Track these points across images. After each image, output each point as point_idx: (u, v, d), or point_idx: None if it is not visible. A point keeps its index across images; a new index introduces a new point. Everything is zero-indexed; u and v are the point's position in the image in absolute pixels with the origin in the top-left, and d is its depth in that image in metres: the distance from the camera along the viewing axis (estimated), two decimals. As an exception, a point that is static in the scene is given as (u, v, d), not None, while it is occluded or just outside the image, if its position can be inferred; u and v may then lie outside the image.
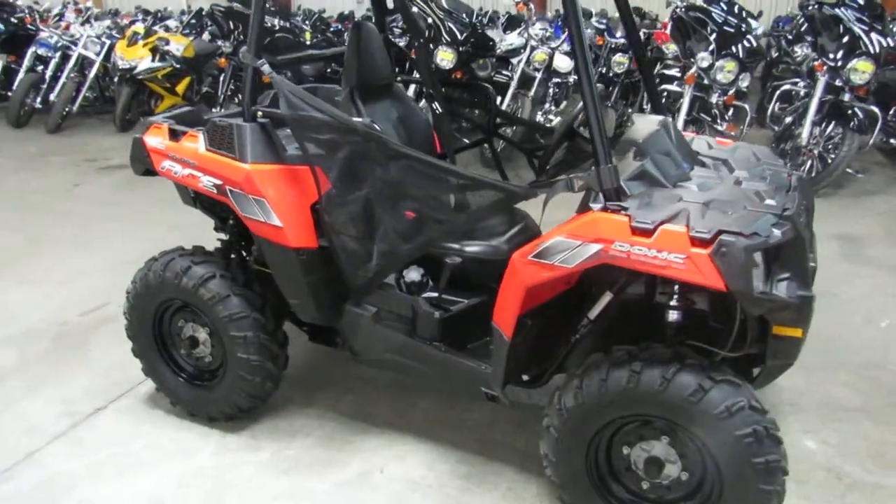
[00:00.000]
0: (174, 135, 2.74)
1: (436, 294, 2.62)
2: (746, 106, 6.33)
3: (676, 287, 2.28)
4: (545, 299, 2.45)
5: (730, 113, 6.22)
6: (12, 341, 3.64)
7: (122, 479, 2.66)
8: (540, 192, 2.25)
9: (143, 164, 2.81)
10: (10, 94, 8.54)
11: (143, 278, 2.85)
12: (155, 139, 2.76)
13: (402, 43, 6.81)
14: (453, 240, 2.58)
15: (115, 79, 8.29)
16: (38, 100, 8.43)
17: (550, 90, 7.15)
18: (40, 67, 8.59)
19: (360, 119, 2.49)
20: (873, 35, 5.71)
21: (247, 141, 2.55)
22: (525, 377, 2.60)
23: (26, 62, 8.54)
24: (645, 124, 2.47)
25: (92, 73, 8.45)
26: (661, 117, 2.52)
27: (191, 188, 2.75)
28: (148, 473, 2.69)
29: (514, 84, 6.81)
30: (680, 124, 5.96)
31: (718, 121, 6.01)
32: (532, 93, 6.76)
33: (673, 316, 2.30)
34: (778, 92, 6.86)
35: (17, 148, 7.22)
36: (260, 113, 2.59)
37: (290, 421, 2.99)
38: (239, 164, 2.54)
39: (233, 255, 2.90)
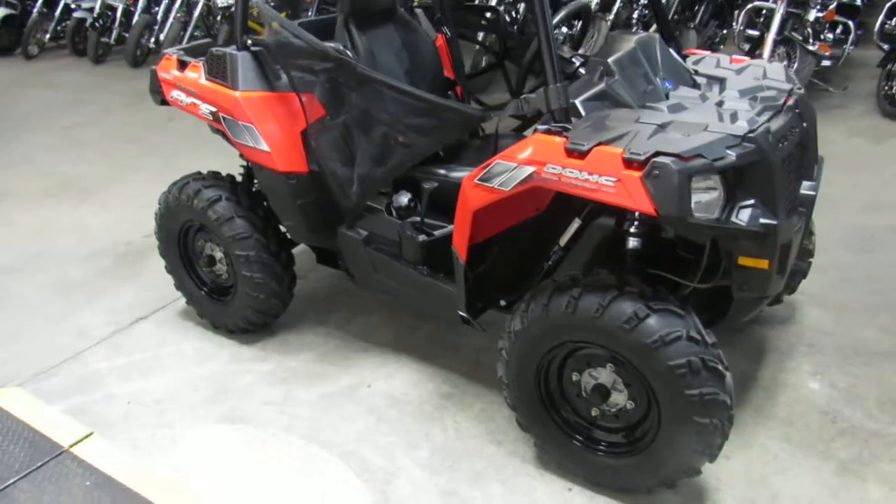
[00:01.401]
0: (182, 65, 2.91)
1: (419, 219, 2.67)
2: (850, 22, 5.69)
3: (637, 214, 2.19)
4: (511, 224, 2.43)
5: (829, 31, 5.61)
6: (84, 259, 4.08)
7: (145, 379, 2.97)
8: (494, 115, 2.22)
9: (159, 94, 3.02)
10: (127, 35, 9.20)
11: (165, 200, 3.09)
12: (166, 70, 2.95)
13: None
14: (434, 164, 2.61)
15: (218, 18, 8.70)
16: (152, 40, 9.03)
17: (636, 13, 6.73)
18: (155, 9, 9.17)
19: (331, 44, 2.53)
20: None
21: (238, 69, 2.67)
22: (503, 302, 2.62)
23: (141, 3, 9.13)
24: (621, 42, 2.33)
25: (196, 13, 8.91)
26: (640, 34, 2.37)
27: (195, 116, 2.92)
28: (166, 375, 2.98)
29: (593, 5, 6.43)
30: (769, 44, 5.47)
31: (811, 40, 5.44)
32: (612, 15, 6.39)
33: (632, 243, 2.22)
34: (890, 3, 6.03)
35: (129, 85, 7.81)
36: (250, 42, 2.69)
37: (300, 337, 3.19)
38: (230, 92, 2.67)
39: (240, 180, 3.07)
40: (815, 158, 2.38)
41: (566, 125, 2.02)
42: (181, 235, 3.17)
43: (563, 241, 2.42)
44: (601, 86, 2.17)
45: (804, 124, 2.28)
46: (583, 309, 2.03)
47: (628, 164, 1.85)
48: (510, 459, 2.40)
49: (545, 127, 2.04)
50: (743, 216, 1.97)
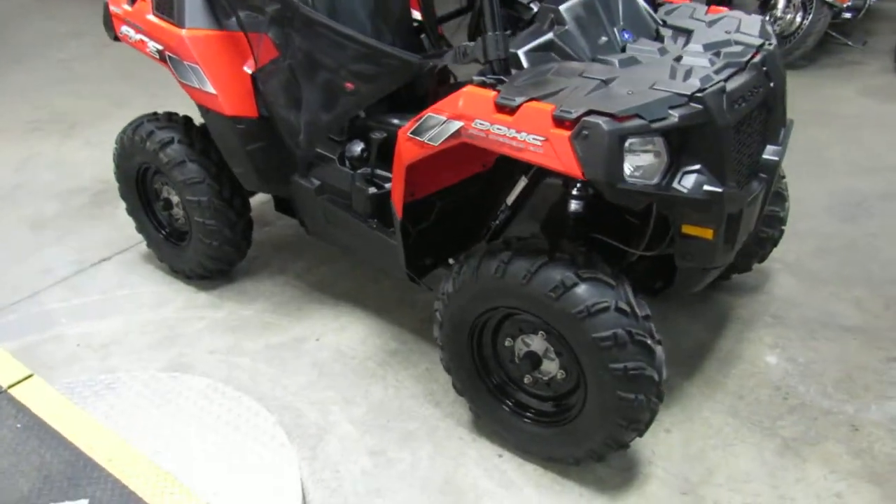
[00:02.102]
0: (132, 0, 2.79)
1: (370, 170, 2.57)
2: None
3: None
4: (456, 180, 2.33)
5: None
6: (61, 195, 4.05)
7: (97, 321, 2.96)
8: (433, 62, 2.09)
9: (111, 29, 2.91)
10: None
11: (121, 141, 3.02)
12: (116, 3, 2.83)
13: None
14: (389, 113, 2.50)
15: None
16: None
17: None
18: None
19: (273, -19, 2.39)
20: None
21: (185, 5, 2.54)
22: (451, 261, 2.53)
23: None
24: (577, -11, 2.17)
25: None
26: (599, -20, 2.20)
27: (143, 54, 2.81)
28: (119, 318, 2.97)
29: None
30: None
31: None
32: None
33: (574, 206, 2.10)
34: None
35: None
36: (199, -24, 2.56)
37: (258, 285, 3.14)
38: (176, 29, 2.56)
39: (198, 123, 2.98)
40: (782, 121, 2.22)
41: (502, 78, 1.89)
42: (139, 177, 3.10)
43: (510, 200, 2.31)
44: (549, 35, 2.02)
45: (771, 84, 2.12)
46: (511, 274, 1.93)
47: (558, 122, 1.73)
48: (445, 421, 2.36)
49: (480, 79, 1.92)
50: (686, 182, 1.85)
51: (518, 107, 1.77)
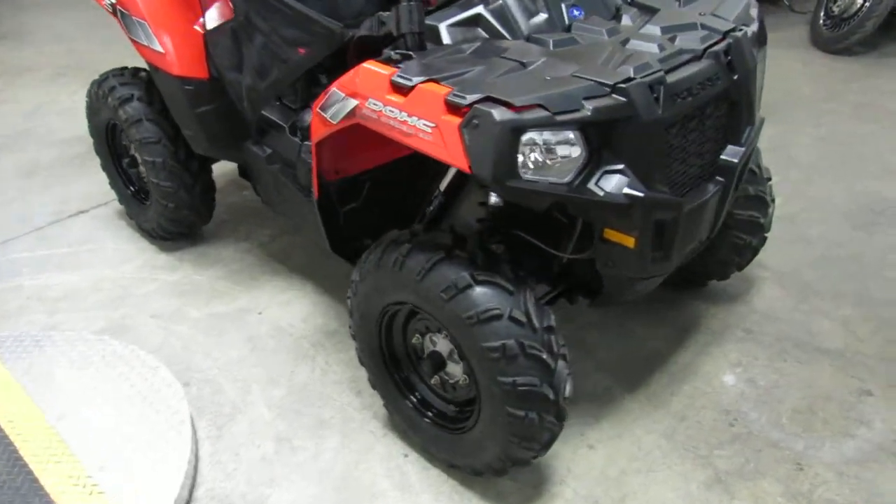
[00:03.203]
0: (96, -50, 2.71)
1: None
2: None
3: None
4: (385, 160, 2.18)
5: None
6: (61, 143, 4.09)
7: (56, 274, 2.96)
8: (352, 33, 1.92)
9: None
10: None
11: (89, 96, 2.98)
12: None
13: None
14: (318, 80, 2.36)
15: None
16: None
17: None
18: None
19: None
20: None
21: (135, -43, 2.45)
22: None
23: None
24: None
25: None
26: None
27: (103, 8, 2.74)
28: (77, 273, 2.96)
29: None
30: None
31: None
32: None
33: (493, 199, 1.91)
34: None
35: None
36: (150, -73, 2.45)
37: (219, 250, 3.08)
38: (125, -18, 2.47)
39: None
40: (748, 119, 1.96)
41: (407, 53, 1.72)
42: (107, 133, 3.06)
43: (443, 185, 2.15)
44: (477, 8, 1.83)
45: (735, 76, 1.86)
46: (408, 268, 1.78)
47: (452, 108, 1.55)
48: (362, 413, 2.25)
49: (388, 53, 1.75)
50: (606, 183, 1.65)
51: (413, 87, 1.60)
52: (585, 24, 1.90)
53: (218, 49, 2.40)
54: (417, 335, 1.99)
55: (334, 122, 1.79)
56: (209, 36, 2.42)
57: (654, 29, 1.91)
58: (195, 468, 2.05)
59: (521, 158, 1.54)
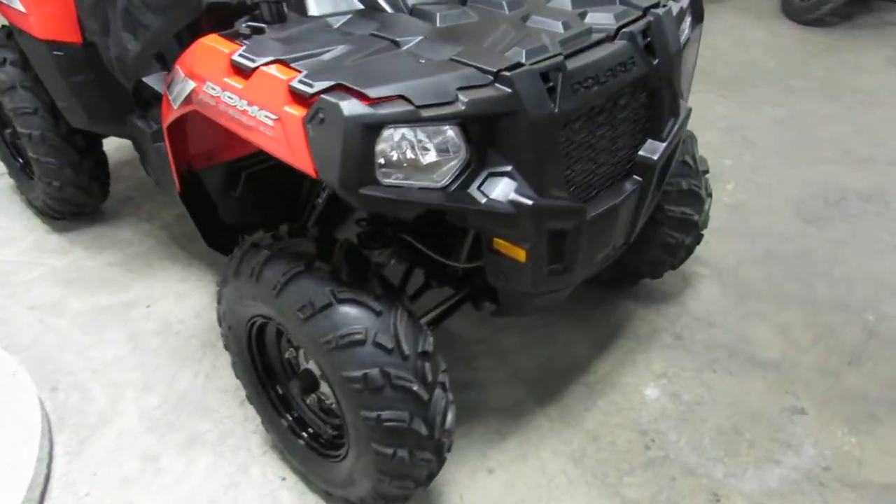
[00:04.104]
0: None
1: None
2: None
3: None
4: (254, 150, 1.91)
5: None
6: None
7: (-68, 256, 2.69)
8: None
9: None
10: None
11: (-34, 58, 2.66)
12: None
13: None
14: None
15: None
16: None
17: None
18: None
19: None
20: None
21: None
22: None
23: None
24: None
25: None
26: None
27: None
28: (-45, 255, 2.69)
29: None
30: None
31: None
32: None
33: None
34: None
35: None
36: None
37: (118, 232, 2.81)
38: (-20, -70, 2.14)
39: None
40: (672, 110, 1.72)
41: (257, 25, 1.44)
42: (-11, 101, 2.75)
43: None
44: (348, -25, 1.55)
45: (654, 61, 1.61)
46: (265, 280, 1.54)
47: (297, 97, 1.29)
48: (242, 427, 2.02)
49: (241, 26, 1.47)
50: (489, 188, 1.41)
51: (254, 70, 1.33)
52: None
53: (84, 9, 2.10)
54: (291, 349, 1.75)
55: (175, 107, 1.52)
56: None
57: (563, 2, 1.64)
58: (42, 493, 1.82)
59: (380, 160, 1.29)
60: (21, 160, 2.84)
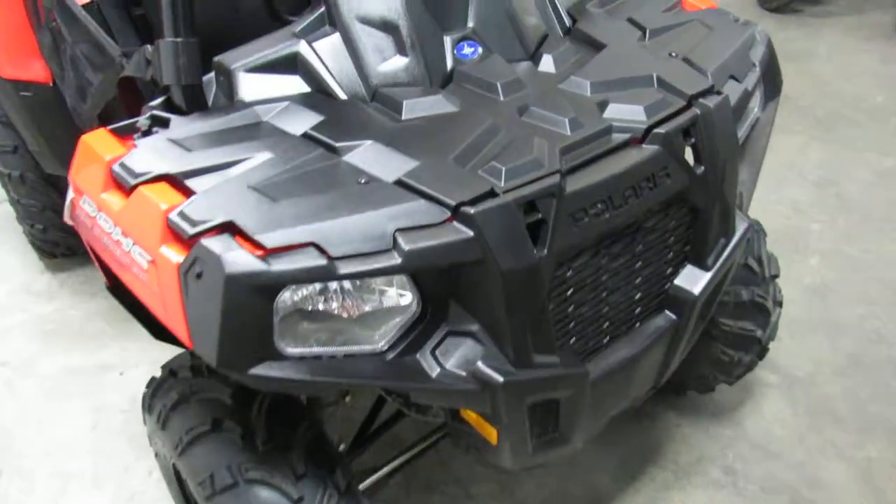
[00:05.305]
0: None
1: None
2: None
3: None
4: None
5: None
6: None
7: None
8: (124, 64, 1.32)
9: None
10: None
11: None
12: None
13: None
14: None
15: None
16: None
17: None
18: None
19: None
20: None
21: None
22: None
23: None
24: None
25: None
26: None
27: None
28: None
29: None
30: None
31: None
32: None
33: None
34: None
35: None
36: None
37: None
38: (-59, -43, 1.91)
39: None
40: (724, 229, 1.28)
41: (162, 115, 1.12)
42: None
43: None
44: (291, 47, 1.20)
45: (700, 170, 1.18)
46: (171, 430, 1.22)
47: (177, 234, 0.95)
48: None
49: (143, 116, 1.14)
50: (446, 355, 1.04)
51: (133, 188, 1.00)
52: (475, 71, 1.25)
53: (45, 50, 1.84)
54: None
55: (65, 219, 1.21)
56: (38, 31, 1.86)
57: (581, 83, 1.23)
58: None
59: (280, 326, 0.94)
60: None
